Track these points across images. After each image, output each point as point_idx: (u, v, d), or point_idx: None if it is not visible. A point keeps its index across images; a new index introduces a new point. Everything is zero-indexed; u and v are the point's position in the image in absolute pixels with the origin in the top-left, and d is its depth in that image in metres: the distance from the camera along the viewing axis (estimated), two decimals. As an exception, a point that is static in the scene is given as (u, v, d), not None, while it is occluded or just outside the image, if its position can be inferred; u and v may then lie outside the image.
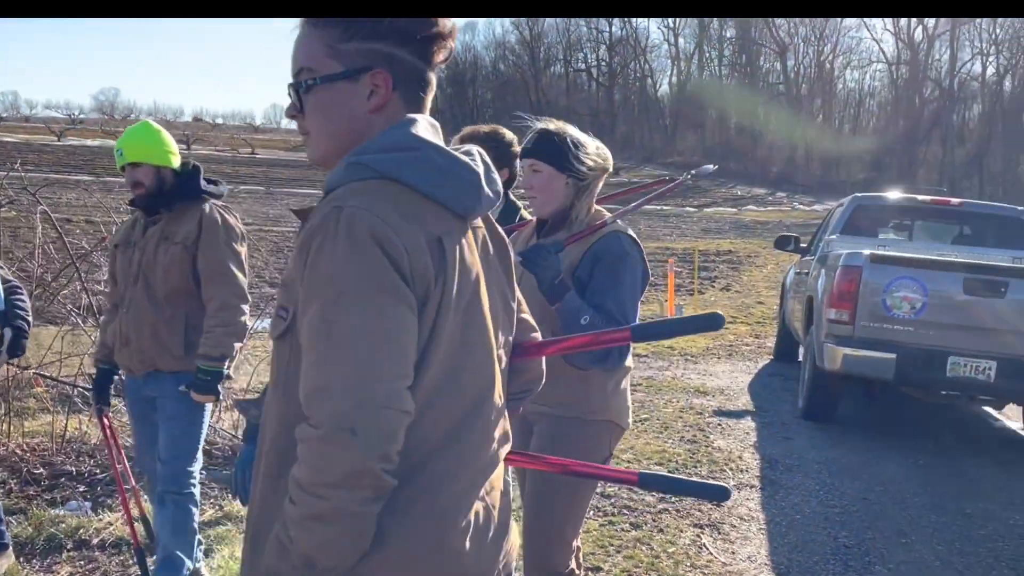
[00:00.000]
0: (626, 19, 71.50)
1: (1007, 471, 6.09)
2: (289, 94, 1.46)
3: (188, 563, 3.40)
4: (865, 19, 59.96)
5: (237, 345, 3.34)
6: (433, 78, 1.49)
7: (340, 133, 1.44)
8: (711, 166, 3.59)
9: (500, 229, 1.60)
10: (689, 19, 69.10)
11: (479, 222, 1.52)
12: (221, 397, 3.40)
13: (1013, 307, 6.18)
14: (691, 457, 5.84)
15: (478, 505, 1.43)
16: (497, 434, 1.49)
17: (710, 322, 1.70)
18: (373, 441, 1.24)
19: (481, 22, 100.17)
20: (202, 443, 3.49)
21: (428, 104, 1.49)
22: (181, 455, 3.36)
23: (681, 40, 73.22)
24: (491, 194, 1.47)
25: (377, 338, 1.26)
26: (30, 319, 3.67)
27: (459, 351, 1.39)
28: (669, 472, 5.37)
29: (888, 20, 59.70)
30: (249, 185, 33.99)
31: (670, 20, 70.20)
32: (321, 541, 1.27)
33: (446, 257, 1.35)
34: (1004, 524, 4.95)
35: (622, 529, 4.50)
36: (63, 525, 4.20)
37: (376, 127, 1.43)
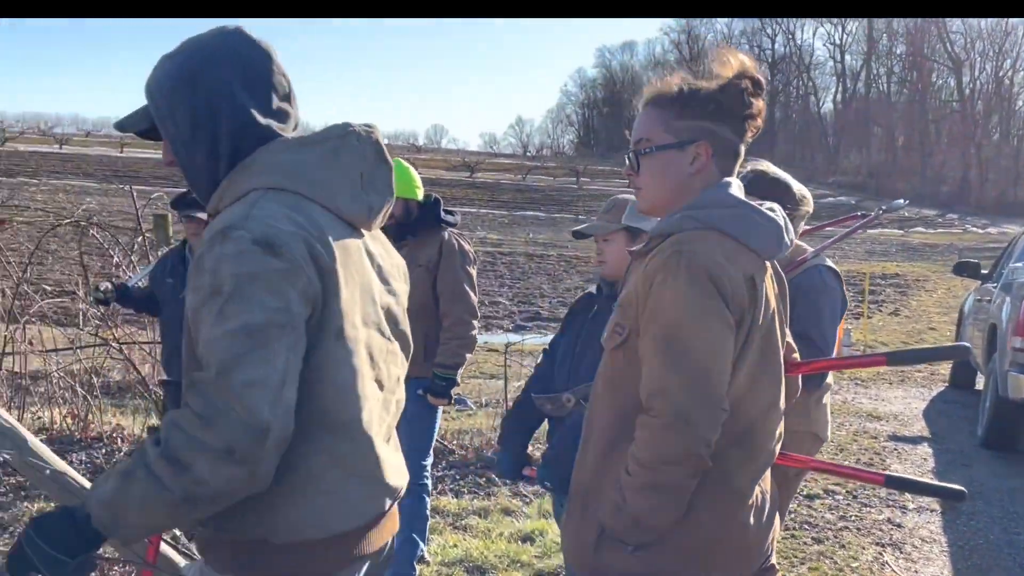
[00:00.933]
0: (790, 36, 70.12)
1: None
2: (629, 158, 1.87)
3: (421, 545, 3.88)
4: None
5: (468, 356, 3.80)
6: (743, 149, 1.86)
7: (667, 190, 1.83)
8: (903, 200, 3.76)
9: (778, 266, 1.94)
10: (856, 35, 67.17)
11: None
12: (452, 400, 3.87)
13: None
14: (868, 479, 5.94)
15: (758, 490, 1.79)
16: (777, 433, 1.85)
17: (957, 352, 1.98)
18: (703, 430, 1.63)
19: (641, 41, 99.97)
20: (434, 441, 3.97)
21: (736, 169, 1.86)
22: (418, 450, 3.84)
23: (848, 57, 71.26)
24: (788, 242, 1.82)
25: (710, 352, 1.65)
26: None
27: (759, 366, 1.76)
28: (848, 490, 5.54)
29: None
30: (413, 202, 35.14)
31: (836, 37, 68.44)
32: (651, 506, 1.67)
33: (757, 292, 1.72)
34: None
35: (804, 543, 4.71)
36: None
37: (695, 187, 1.81)
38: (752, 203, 1.80)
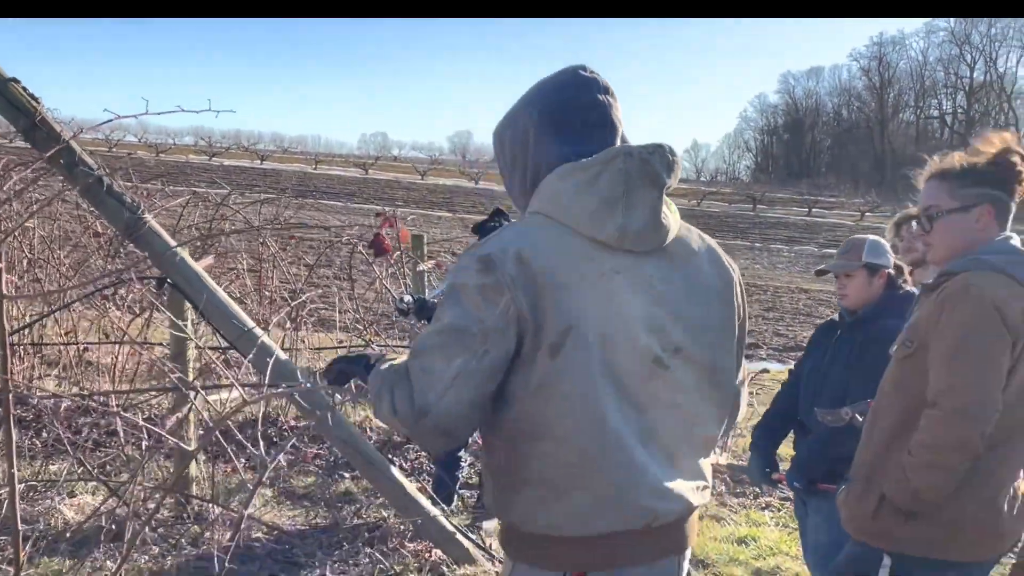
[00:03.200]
0: (991, 63, 66.82)
1: None
2: (921, 221, 2.35)
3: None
4: None
5: None
6: (1013, 206, 2.30)
7: (956, 244, 2.29)
8: None
9: None
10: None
11: None
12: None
13: None
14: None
15: (1014, 488, 2.23)
16: None
17: None
18: (979, 423, 2.08)
19: (827, 67, 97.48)
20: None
21: (1010, 223, 2.30)
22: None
23: (1054, 85, 67.05)
24: None
25: (989, 363, 2.10)
26: None
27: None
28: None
29: None
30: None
31: (1041, 63, 64.54)
32: (928, 481, 2.13)
33: None
34: None
35: None
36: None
37: (980, 240, 2.26)
38: None
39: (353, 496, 5.14)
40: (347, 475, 5.49)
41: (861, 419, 2.78)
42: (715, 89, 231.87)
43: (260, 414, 5.38)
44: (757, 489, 5.83)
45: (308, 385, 3.90)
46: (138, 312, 6.42)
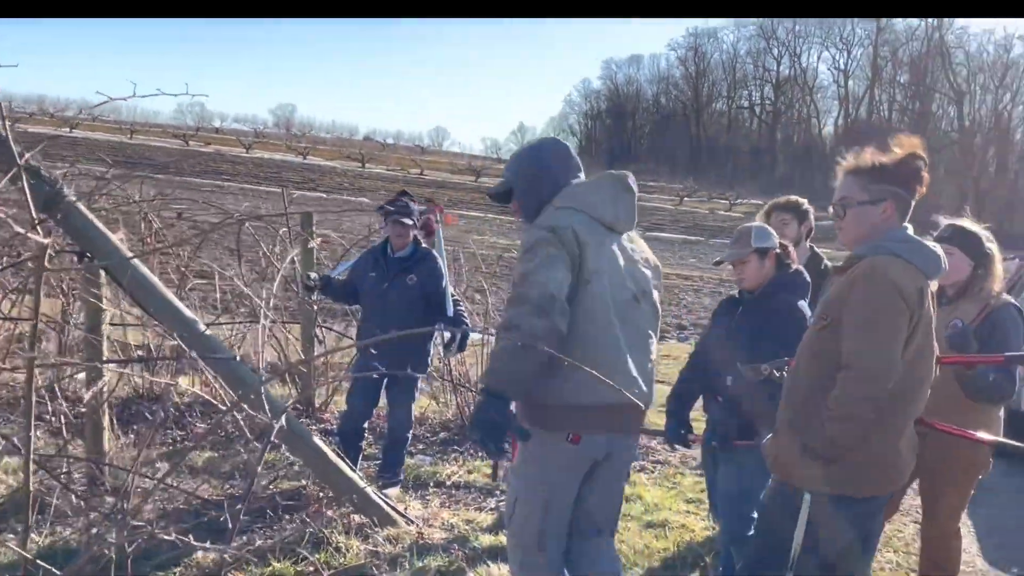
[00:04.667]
0: (795, 58, 71.36)
1: None
2: (835, 208, 2.74)
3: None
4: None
5: None
6: (912, 203, 2.71)
7: (863, 231, 2.70)
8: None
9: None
10: (861, 62, 68.34)
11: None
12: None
13: None
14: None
15: (908, 431, 2.69)
16: (923, 397, 2.73)
17: None
18: (883, 381, 2.50)
19: (647, 56, 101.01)
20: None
21: (909, 215, 2.71)
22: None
23: (851, 82, 72.53)
24: (945, 267, 2.69)
25: (891, 331, 2.52)
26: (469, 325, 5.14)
27: (919, 349, 2.62)
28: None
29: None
30: (420, 205, 35.28)
31: (841, 62, 69.65)
32: (841, 429, 2.54)
33: (923, 298, 2.59)
34: None
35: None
36: (422, 470, 5.62)
37: (883, 229, 2.67)
38: (922, 240, 2.68)
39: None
40: (241, 450, 5.54)
41: (778, 374, 3.18)
42: (540, 74, 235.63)
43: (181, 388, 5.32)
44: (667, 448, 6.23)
45: (232, 360, 4.01)
46: (9, 290, 6.19)
